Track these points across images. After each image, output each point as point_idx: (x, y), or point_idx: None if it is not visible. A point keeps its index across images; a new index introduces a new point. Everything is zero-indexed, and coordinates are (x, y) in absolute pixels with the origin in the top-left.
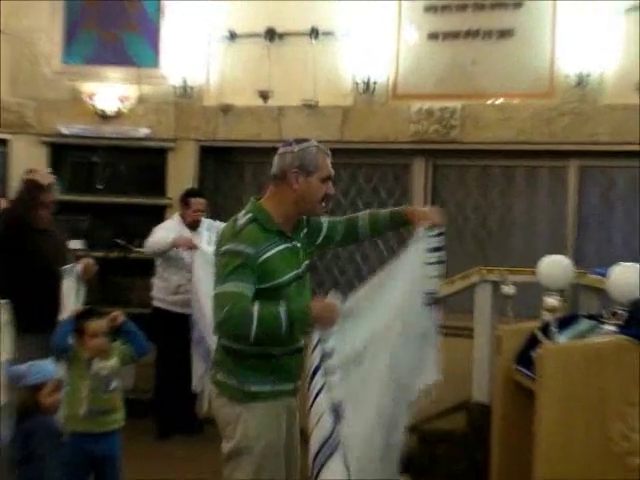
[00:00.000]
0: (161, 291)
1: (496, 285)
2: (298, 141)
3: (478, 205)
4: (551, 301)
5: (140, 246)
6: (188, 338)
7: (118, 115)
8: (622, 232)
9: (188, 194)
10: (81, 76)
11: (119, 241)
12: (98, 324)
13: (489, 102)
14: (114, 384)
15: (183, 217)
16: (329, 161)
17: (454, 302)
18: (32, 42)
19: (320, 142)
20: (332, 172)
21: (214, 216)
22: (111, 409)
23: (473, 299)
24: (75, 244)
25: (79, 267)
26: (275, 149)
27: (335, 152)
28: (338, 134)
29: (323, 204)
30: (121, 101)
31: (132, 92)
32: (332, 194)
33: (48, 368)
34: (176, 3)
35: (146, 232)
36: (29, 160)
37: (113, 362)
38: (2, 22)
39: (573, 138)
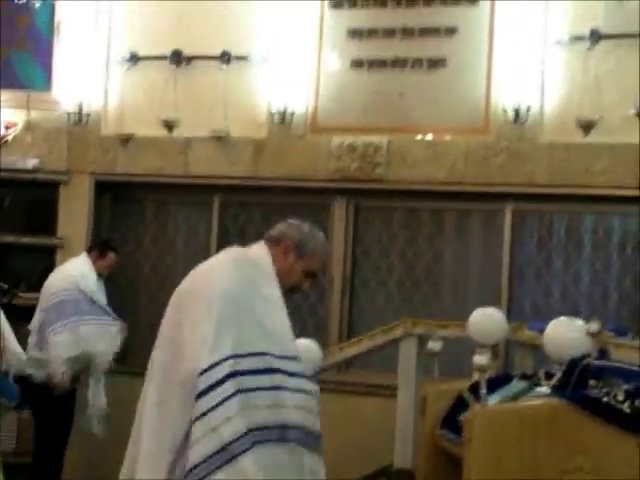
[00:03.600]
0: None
1: (422, 340)
2: (312, 226)
3: (404, 251)
4: (482, 359)
5: (27, 291)
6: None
7: (3, 143)
8: (561, 283)
9: (108, 246)
10: None
11: (2, 284)
12: None
13: (418, 137)
14: None
15: (94, 264)
16: (323, 263)
17: (376, 358)
18: None
19: (230, 178)
20: (318, 272)
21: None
22: None
23: (397, 355)
24: None
25: None
26: (180, 186)
27: (247, 190)
28: (250, 169)
29: (290, 292)
30: (7, 127)
31: (20, 118)
32: (301, 291)
33: None
34: (71, 19)
35: (33, 275)
36: None
37: None
38: None
39: (509, 179)
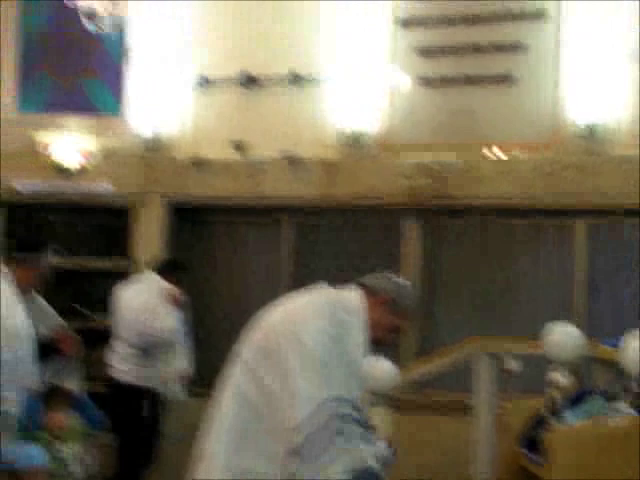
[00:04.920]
0: (130, 361)
1: (496, 357)
2: (407, 283)
3: (476, 269)
4: (558, 376)
5: (102, 312)
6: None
7: (78, 169)
8: (635, 297)
9: (180, 267)
10: (37, 125)
11: (78, 307)
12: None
13: (488, 154)
14: (74, 468)
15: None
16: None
17: (450, 376)
18: None
19: (302, 199)
20: (404, 327)
21: (183, 283)
22: None
23: (471, 373)
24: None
25: None
26: (252, 208)
27: (318, 211)
28: (321, 190)
29: (373, 344)
30: (81, 154)
31: (94, 144)
32: (387, 343)
33: (36, 453)
34: (142, 45)
35: (108, 298)
36: None
37: (74, 445)
38: None
39: (580, 194)
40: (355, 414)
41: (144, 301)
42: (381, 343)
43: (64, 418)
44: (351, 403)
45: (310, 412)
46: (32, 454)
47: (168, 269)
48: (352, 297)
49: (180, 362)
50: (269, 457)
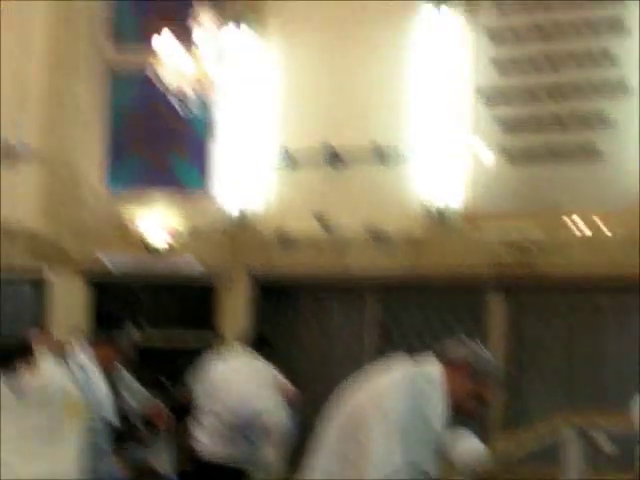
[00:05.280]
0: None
1: (585, 432)
2: (486, 350)
3: (563, 343)
4: None
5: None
6: None
7: (166, 246)
8: None
9: (267, 343)
10: (126, 203)
11: (164, 380)
12: None
13: (572, 227)
14: None
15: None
16: (494, 387)
17: (537, 451)
18: (72, 164)
19: (387, 274)
20: (485, 394)
21: (270, 357)
22: None
23: (559, 447)
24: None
25: None
26: (337, 284)
27: (405, 286)
28: (406, 266)
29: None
30: (169, 230)
31: (181, 220)
32: (469, 412)
33: None
34: (228, 123)
35: (195, 372)
36: (69, 296)
37: None
38: (37, 142)
39: None
40: None
41: (244, 381)
42: (463, 412)
43: None
44: (426, 471)
45: (385, 476)
46: None
47: (256, 345)
48: (430, 366)
49: (273, 450)
50: None
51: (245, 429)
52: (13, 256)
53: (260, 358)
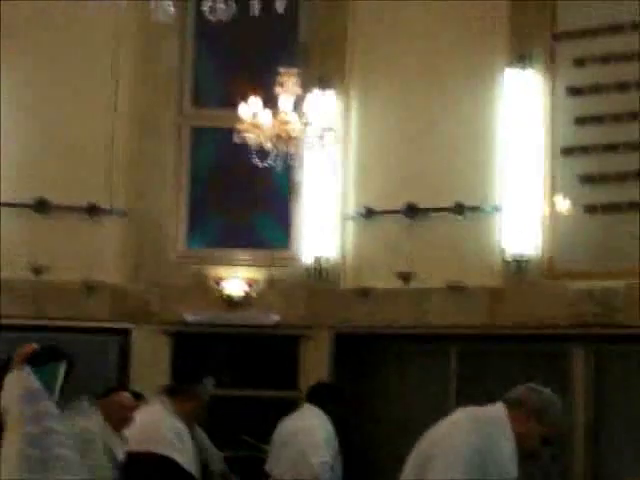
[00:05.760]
0: None
1: None
2: (552, 393)
3: None
4: None
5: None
6: None
7: (246, 301)
8: None
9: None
10: (207, 260)
11: (247, 438)
12: None
13: None
14: None
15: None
16: (561, 431)
17: None
18: (156, 225)
19: (467, 327)
20: (554, 439)
21: (348, 412)
22: None
23: None
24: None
25: None
26: (417, 337)
27: (484, 338)
28: (487, 318)
29: (526, 458)
30: (249, 285)
31: (261, 275)
32: (537, 457)
33: None
34: (308, 179)
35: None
36: (151, 350)
37: None
38: (124, 203)
39: None
40: None
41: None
42: (533, 457)
43: None
44: None
45: None
46: None
47: (328, 398)
48: (495, 411)
49: None
50: None
51: None
52: (98, 311)
53: (324, 414)
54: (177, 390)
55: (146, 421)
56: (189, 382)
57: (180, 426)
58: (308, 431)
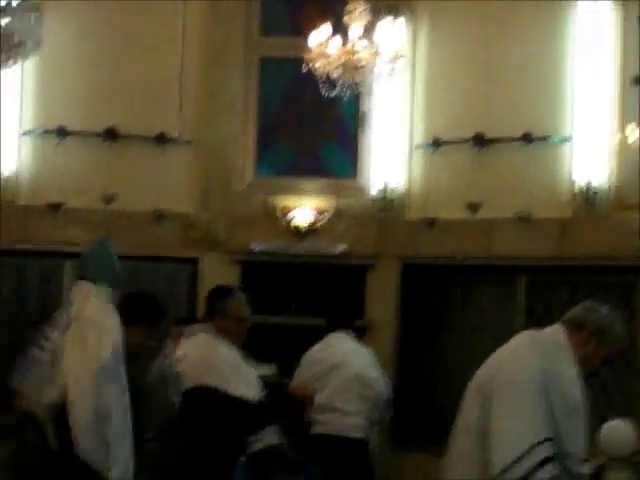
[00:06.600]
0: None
1: None
2: (613, 310)
3: None
4: None
5: None
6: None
7: (313, 230)
8: None
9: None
10: (274, 189)
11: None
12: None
13: None
14: None
15: None
16: (624, 349)
17: None
18: (224, 154)
19: (535, 258)
20: (615, 358)
21: (414, 342)
22: None
23: None
24: (263, 369)
25: None
26: (484, 267)
27: (552, 269)
28: (555, 249)
29: (587, 377)
30: (317, 215)
31: (328, 205)
32: (597, 373)
33: None
34: (375, 109)
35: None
36: (219, 278)
37: None
38: (193, 133)
39: None
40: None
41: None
42: (594, 375)
43: None
44: (571, 451)
45: (514, 460)
46: None
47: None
48: (555, 333)
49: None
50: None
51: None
52: (168, 240)
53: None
54: (211, 311)
55: (195, 355)
56: (215, 299)
57: (228, 354)
58: (358, 353)
